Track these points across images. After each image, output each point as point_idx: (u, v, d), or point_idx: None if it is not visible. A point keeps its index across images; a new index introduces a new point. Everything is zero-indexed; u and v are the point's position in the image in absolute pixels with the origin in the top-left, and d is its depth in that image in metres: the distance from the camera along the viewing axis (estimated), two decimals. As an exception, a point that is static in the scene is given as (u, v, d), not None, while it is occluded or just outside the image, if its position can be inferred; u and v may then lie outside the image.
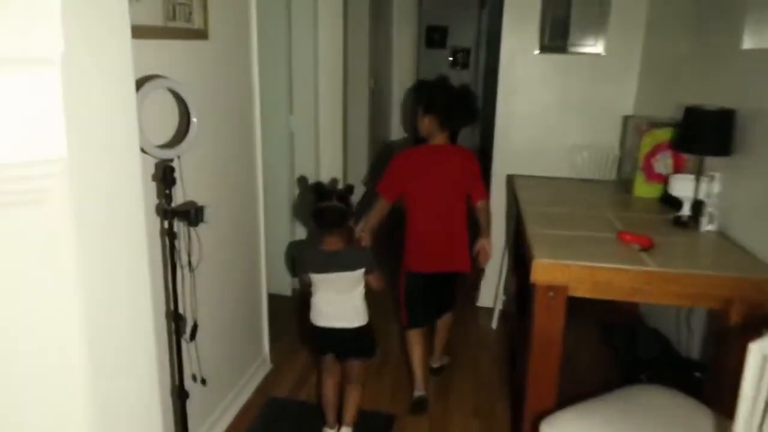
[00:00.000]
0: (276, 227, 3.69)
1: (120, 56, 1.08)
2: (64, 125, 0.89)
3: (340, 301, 2.27)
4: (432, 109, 2.50)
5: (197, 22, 2.11)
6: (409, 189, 2.54)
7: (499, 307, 3.52)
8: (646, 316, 2.62)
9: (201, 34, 2.14)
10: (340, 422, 2.36)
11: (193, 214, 1.62)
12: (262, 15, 3.24)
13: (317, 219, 2.21)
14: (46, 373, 0.99)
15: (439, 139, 2.54)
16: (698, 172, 2.06)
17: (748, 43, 2.05)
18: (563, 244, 1.81)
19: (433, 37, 7.64)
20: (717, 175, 1.97)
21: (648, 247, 1.79)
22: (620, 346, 2.29)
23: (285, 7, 3.42)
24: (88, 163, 0.99)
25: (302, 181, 3.74)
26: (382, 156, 4.93)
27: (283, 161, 3.61)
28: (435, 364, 2.90)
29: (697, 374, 1.98)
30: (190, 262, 1.77)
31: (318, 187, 2.28)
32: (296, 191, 3.73)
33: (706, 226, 1.99)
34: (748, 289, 1.58)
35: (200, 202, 1.78)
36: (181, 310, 1.76)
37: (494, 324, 3.52)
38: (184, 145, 1.63)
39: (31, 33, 0.85)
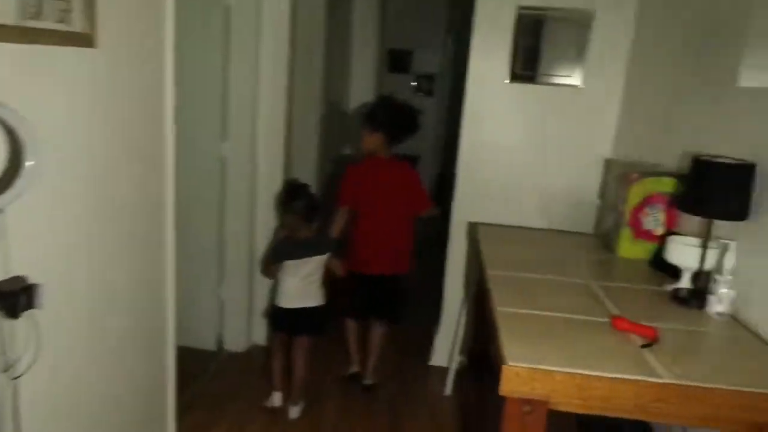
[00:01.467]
0: (202, 269, 3.17)
1: None
2: None
3: (306, 284, 2.67)
4: (378, 126, 2.78)
5: (78, 25, 1.61)
6: (358, 198, 2.85)
7: (454, 367, 3.06)
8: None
9: (84, 40, 1.63)
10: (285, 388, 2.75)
11: (22, 300, 1.09)
12: (191, 27, 2.78)
13: (301, 211, 2.64)
14: None
15: (384, 153, 2.83)
16: (705, 238, 1.65)
17: (746, 80, 1.71)
18: (542, 335, 1.36)
19: (397, 61, 7.24)
20: (732, 243, 1.56)
21: (652, 342, 1.35)
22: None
23: (223, 26, 2.96)
24: None
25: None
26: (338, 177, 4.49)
27: (213, 190, 3.11)
28: (367, 381, 3.02)
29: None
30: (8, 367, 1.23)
31: (292, 184, 2.79)
32: (228, 224, 3.21)
33: (716, 306, 1.58)
34: (791, 412, 1.16)
35: (56, 272, 1.27)
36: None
37: (448, 389, 3.05)
38: (7, 195, 1.12)
39: None
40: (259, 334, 3.42)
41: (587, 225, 2.81)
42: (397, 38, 7.01)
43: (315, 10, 3.76)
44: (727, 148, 1.75)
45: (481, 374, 2.95)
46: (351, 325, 3.05)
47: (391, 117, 2.79)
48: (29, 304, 1.13)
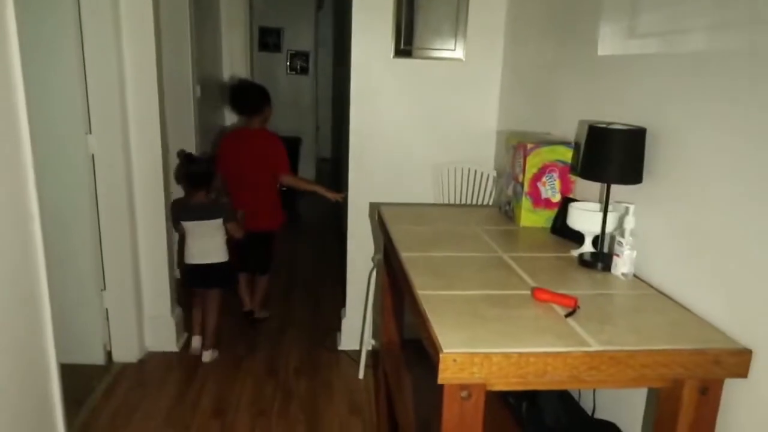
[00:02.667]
0: (80, 276, 2.86)
1: None
2: None
3: (206, 243, 3.06)
4: (232, 105, 3.47)
5: None
6: (228, 164, 3.32)
7: (366, 349, 3.04)
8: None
9: None
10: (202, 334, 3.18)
11: None
12: (33, 15, 2.45)
13: (190, 179, 3.04)
14: None
15: (253, 124, 3.36)
16: (605, 203, 1.72)
17: (603, 48, 1.85)
18: (470, 315, 1.34)
19: (267, 40, 6.97)
20: (631, 207, 1.63)
21: (574, 310, 1.38)
22: (524, 411, 1.90)
23: (73, 9, 2.63)
24: None
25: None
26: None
27: (83, 189, 2.80)
28: (258, 315, 3.63)
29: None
30: None
31: (188, 155, 3.06)
32: (105, 224, 2.92)
33: (621, 268, 1.65)
34: (706, 364, 1.23)
35: None
36: None
37: (361, 373, 3.02)
38: None
39: None
40: (153, 339, 3.18)
41: (486, 195, 2.86)
42: (266, 16, 6.76)
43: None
44: (608, 113, 1.85)
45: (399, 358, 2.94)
46: (241, 277, 3.54)
47: (233, 97, 3.43)
48: None
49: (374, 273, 2.93)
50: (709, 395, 1.27)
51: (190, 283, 3.19)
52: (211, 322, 3.14)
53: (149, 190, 3.02)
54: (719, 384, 1.27)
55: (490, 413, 1.79)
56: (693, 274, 1.46)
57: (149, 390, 2.83)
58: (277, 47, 7.07)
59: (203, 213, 3.02)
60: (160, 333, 3.19)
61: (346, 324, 3.25)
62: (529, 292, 1.48)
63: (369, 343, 3.02)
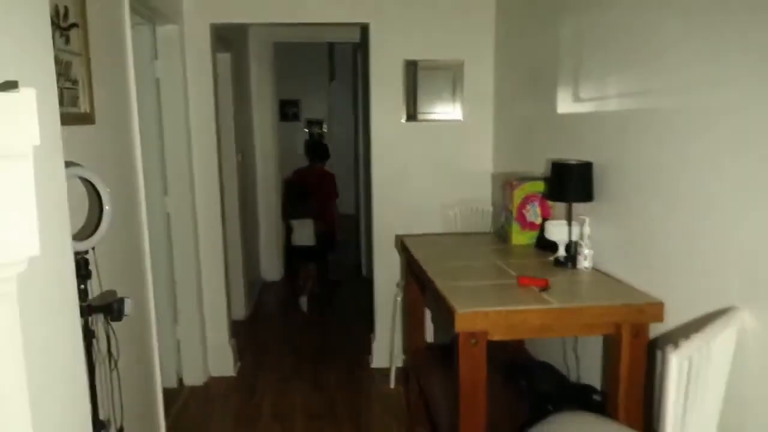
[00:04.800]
0: (158, 312, 3.49)
1: (52, 147, 1.05)
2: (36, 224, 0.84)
3: (303, 233, 5.14)
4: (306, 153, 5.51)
5: (83, 107, 2.04)
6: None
7: (396, 365, 3.60)
8: (537, 354, 2.87)
9: (88, 119, 2.06)
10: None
11: (115, 308, 1.52)
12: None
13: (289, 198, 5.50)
14: None
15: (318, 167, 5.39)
16: (569, 218, 2.36)
17: (560, 108, 2.56)
18: (475, 294, 1.97)
19: (287, 110, 7.82)
20: (587, 219, 2.27)
21: (546, 288, 2.00)
22: (524, 384, 2.47)
23: (154, 88, 3.38)
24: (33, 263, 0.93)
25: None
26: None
27: (162, 245, 3.46)
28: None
29: (596, 397, 2.21)
30: (113, 360, 1.64)
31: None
32: (178, 271, 3.57)
33: (583, 263, 2.28)
34: (634, 313, 1.84)
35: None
36: (103, 416, 1.61)
37: (392, 383, 3.59)
38: (97, 235, 1.55)
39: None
40: (215, 366, 3.77)
41: (485, 226, 3.51)
42: (285, 89, 7.59)
43: (224, 74, 4.26)
44: (570, 152, 2.51)
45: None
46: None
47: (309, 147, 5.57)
48: (122, 312, 1.55)
49: (399, 297, 3.54)
50: (640, 338, 1.88)
51: (298, 257, 5.37)
52: (310, 284, 5.28)
53: (210, 241, 3.69)
54: (645, 328, 1.87)
55: (500, 389, 2.39)
56: (629, 261, 2.08)
57: (217, 406, 3.40)
58: (296, 116, 7.93)
59: (307, 213, 5.20)
60: (221, 360, 3.78)
61: (375, 346, 3.84)
62: (515, 281, 2.11)
63: (399, 358, 3.60)
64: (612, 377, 1.93)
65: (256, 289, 5.60)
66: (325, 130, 8.10)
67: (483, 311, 1.80)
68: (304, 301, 5.14)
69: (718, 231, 1.61)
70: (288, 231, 5.46)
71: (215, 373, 3.78)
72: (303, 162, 5.45)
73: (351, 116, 6.97)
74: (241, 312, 4.76)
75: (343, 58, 7.42)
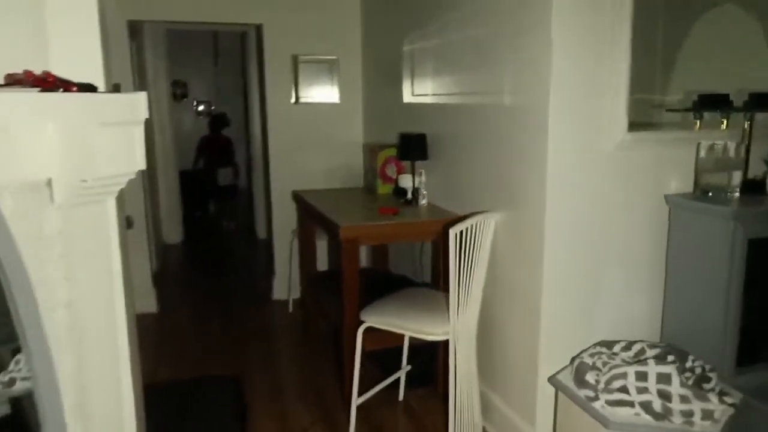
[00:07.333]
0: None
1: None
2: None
3: (228, 175, 7.99)
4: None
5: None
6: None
7: (294, 296, 4.63)
8: (395, 269, 4.04)
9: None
10: None
11: None
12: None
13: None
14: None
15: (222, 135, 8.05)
16: (413, 172, 3.51)
17: (405, 99, 3.73)
18: (352, 218, 3.06)
19: (176, 91, 8.41)
20: (423, 172, 3.43)
21: (396, 214, 3.13)
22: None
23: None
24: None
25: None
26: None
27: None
28: None
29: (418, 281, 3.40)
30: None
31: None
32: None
33: (422, 201, 3.44)
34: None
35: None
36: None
37: (290, 308, 4.62)
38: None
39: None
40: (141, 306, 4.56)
41: (358, 183, 4.62)
42: (174, 72, 8.18)
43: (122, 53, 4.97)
44: (414, 128, 3.66)
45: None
46: None
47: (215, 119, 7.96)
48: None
49: (294, 241, 4.56)
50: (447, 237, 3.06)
51: None
52: None
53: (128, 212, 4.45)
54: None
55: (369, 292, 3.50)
56: (446, 196, 3.27)
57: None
58: (184, 96, 8.53)
59: None
60: (146, 301, 4.58)
61: (275, 282, 4.83)
62: (377, 211, 3.22)
63: (296, 290, 4.61)
64: (436, 263, 3.11)
65: (160, 249, 6.34)
66: (213, 109, 8.78)
67: (356, 225, 2.89)
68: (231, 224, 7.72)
69: (484, 172, 2.82)
70: (213, 177, 7.77)
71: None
72: (196, 134, 6.32)
73: (238, 97, 7.78)
74: (154, 268, 5.52)
75: (227, 45, 8.18)
